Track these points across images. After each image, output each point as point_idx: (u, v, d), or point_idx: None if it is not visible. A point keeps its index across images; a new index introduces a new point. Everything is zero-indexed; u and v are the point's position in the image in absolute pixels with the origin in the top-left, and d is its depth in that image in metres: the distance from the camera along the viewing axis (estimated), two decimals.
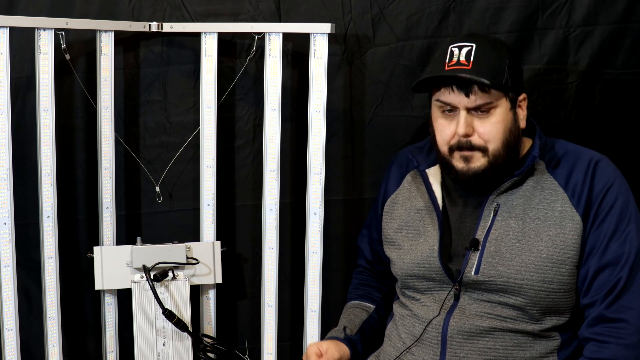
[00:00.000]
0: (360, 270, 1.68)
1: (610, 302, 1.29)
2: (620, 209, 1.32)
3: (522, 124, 1.39)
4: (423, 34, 1.73)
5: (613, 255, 1.31)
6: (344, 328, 1.55)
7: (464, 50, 1.34)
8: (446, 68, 1.34)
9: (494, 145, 1.35)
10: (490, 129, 1.34)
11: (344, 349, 1.51)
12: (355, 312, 1.60)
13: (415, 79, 1.72)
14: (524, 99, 1.39)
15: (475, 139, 1.35)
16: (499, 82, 1.32)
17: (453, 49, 1.35)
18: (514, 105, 1.37)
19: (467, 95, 1.33)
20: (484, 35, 1.46)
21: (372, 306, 1.61)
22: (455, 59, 1.34)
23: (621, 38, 1.69)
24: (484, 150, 1.35)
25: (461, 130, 1.34)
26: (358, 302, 1.62)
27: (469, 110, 1.34)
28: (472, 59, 1.33)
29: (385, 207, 1.55)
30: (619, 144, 1.72)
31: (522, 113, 1.40)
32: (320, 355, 1.47)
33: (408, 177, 1.53)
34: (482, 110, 1.34)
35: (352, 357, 1.51)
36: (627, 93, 1.71)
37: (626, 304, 1.29)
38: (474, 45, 1.34)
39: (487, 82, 1.30)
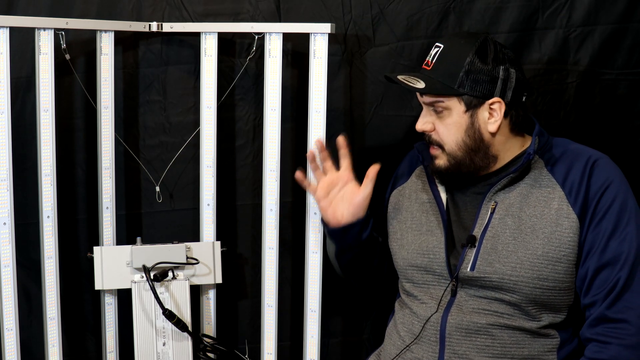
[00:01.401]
0: None
1: (611, 301, 1.29)
2: (620, 208, 1.32)
3: (491, 127, 1.38)
4: (423, 34, 1.73)
5: (612, 254, 1.31)
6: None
7: (434, 51, 1.42)
8: (422, 66, 1.43)
9: (448, 146, 1.40)
10: (443, 130, 1.41)
11: (365, 205, 1.50)
12: None
13: None
14: (495, 102, 1.38)
15: (434, 135, 1.42)
16: (444, 87, 1.36)
17: (433, 47, 1.43)
18: (472, 108, 1.37)
19: (422, 95, 1.41)
20: (469, 35, 1.45)
21: (380, 239, 1.62)
22: (426, 58, 1.43)
23: (621, 38, 1.69)
24: (442, 147, 1.41)
25: (418, 125, 1.44)
26: None
27: (429, 107, 1.42)
28: (434, 61, 1.40)
29: (391, 197, 1.59)
30: (618, 144, 1.71)
31: (493, 118, 1.38)
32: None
33: (417, 171, 1.57)
34: (435, 110, 1.40)
35: (362, 222, 1.50)
36: (627, 93, 1.71)
37: (627, 304, 1.29)
38: (442, 46, 1.41)
39: (418, 87, 1.38)
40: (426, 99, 1.40)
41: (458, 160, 1.40)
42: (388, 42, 1.74)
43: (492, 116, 1.38)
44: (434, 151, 1.43)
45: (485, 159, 1.40)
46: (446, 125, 1.39)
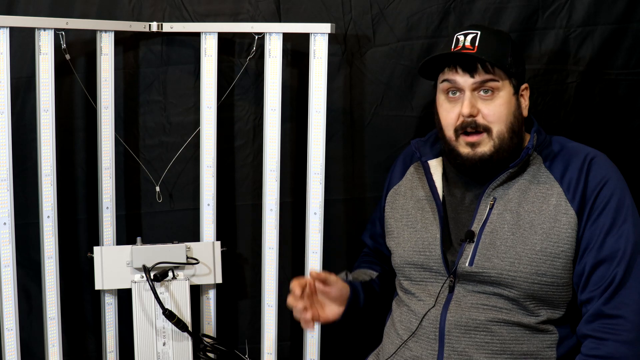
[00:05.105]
0: (366, 252, 1.71)
1: (607, 297, 1.30)
2: (617, 205, 1.33)
3: (525, 112, 1.43)
4: (423, 34, 1.73)
5: (609, 250, 1.31)
6: (346, 274, 1.56)
7: (469, 37, 1.38)
8: (461, 51, 1.38)
9: (498, 127, 1.38)
10: (494, 110, 1.37)
11: (344, 285, 1.49)
12: (358, 273, 1.61)
13: (415, 79, 1.73)
14: (526, 88, 1.44)
15: (480, 119, 1.38)
16: (503, 64, 1.37)
17: (459, 36, 1.40)
18: (516, 92, 1.41)
19: (472, 76, 1.37)
20: (489, 26, 1.53)
21: (375, 272, 1.62)
22: (460, 45, 1.38)
23: (621, 38, 1.69)
24: (488, 131, 1.38)
25: (465, 110, 1.37)
26: (361, 269, 1.64)
27: (473, 91, 1.38)
28: (476, 44, 1.37)
29: (387, 197, 1.58)
30: (618, 143, 1.72)
31: (525, 102, 1.43)
32: (304, 285, 1.44)
33: (411, 169, 1.56)
34: (486, 90, 1.37)
35: (351, 300, 1.50)
36: (627, 93, 1.71)
37: (623, 300, 1.29)
38: (479, 32, 1.39)
39: (490, 60, 1.35)
40: (478, 78, 1.37)
41: (504, 142, 1.38)
42: (388, 42, 1.74)
43: (525, 100, 1.43)
44: (476, 138, 1.38)
45: (518, 146, 1.41)
46: (497, 105, 1.37)
